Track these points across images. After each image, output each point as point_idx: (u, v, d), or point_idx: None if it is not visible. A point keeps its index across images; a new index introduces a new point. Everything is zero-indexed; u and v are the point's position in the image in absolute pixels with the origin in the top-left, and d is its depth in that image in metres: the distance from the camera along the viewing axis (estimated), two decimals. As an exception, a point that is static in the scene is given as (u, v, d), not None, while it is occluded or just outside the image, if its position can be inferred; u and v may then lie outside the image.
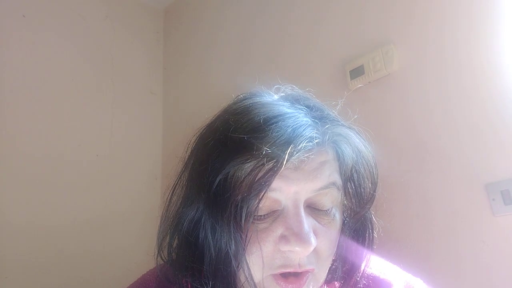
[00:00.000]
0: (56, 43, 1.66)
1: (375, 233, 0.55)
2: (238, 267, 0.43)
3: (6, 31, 1.53)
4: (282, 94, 0.55)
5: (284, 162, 0.41)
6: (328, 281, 0.52)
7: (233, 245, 0.43)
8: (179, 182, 0.51)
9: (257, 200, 0.42)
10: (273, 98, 0.52)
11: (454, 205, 0.93)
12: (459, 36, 0.98)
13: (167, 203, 0.51)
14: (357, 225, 0.54)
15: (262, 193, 0.42)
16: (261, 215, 0.45)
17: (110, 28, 1.86)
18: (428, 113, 1.01)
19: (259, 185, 0.42)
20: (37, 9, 1.64)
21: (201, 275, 0.47)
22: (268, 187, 0.42)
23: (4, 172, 1.41)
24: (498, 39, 0.92)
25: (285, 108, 0.47)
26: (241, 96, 0.53)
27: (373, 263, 0.57)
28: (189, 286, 0.50)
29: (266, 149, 0.41)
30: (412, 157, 1.02)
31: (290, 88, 0.56)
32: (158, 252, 0.51)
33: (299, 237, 0.42)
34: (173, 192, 0.51)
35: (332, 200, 0.48)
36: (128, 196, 1.69)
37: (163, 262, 0.51)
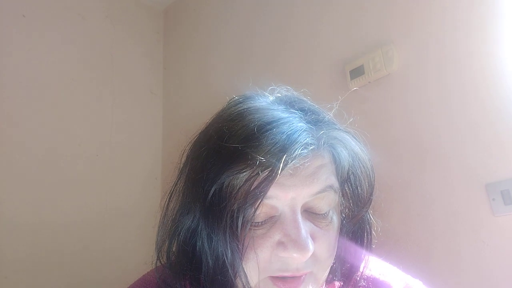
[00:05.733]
0: (56, 43, 1.66)
1: (373, 233, 0.55)
2: (235, 275, 0.43)
3: (6, 31, 1.53)
4: (277, 95, 0.55)
5: (279, 171, 0.41)
6: (328, 281, 0.52)
7: (229, 254, 0.43)
8: (175, 188, 0.51)
9: (253, 209, 0.42)
10: (268, 101, 0.52)
11: (454, 205, 0.93)
12: (459, 35, 0.99)
13: (164, 209, 0.51)
14: (356, 227, 0.54)
15: (258, 202, 0.42)
16: (258, 222, 0.44)
17: (110, 28, 1.86)
18: (428, 113, 1.01)
19: (254, 195, 0.42)
20: (37, 9, 1.64)
21: (199, 283, 0.47)
22: (263, 196, 0.42)
23: (4, 171, 1.41)
24: (498, 39, 0.92)
25: (280, 113, 0.47)
26: (235, 99, 0.52)
27: (372, 265, 0.57)
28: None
29: (260, 158, 0.41)
30: (412, 157, 1.02)
31: (285, 89, 0.56)
32: (158, 258, 0.51)
33: (297, 243, 0.42)
34: (169, 199, 0.51)
35: (329, 203, 0.48)
36: (128, 196, 1.69)
37: (162, 265, 0.51)
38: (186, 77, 1.87)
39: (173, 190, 0.51)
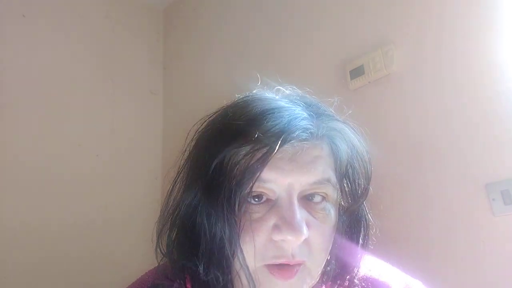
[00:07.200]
0: (56, 43, 1.66)
1: (370, 232, 0.55)
2: (232, 253, 0.44)
3: (6, 31, 1.53)
4: (282, 94, 0.55)
5: (277, 147, 0.43)
6: (325, 281, 0.52)
7: (227, 230, 0.44)
8: (179, 175, 0.52)
9: (251, 184, 0.44)
10: (273, 96, 0.54)
11: (454, 205, 0.93)
12: (459, 36, 0.98)
13: (168, 194, 0.52)
14: (352, 221, 0.54)
15: (255, 177, 0.43)
16: (255, 205, 0.46)
17: (110, 28, 1.86)
18: (427, 112, 1.01)
19: (252, 170, 0.43)
20: (37, 9, 1.64)
21: (198, 261, 0.47)
22: (261, 172, 0.44)
23: (4, 172, 1.40)
24: (497, 39, 0.92)
25: (283, 103, 0.49)
26: (242, 95, 0.54)
27: (372, 265, 0.57)
28: (188, 283, 0.50)
29: (259, 135, 0.43)
30: (412, 157, 1.02)
31: (290, 89, 0.57)
32: (157, 242, 0.51)
33: (291, 226, 0.43)
34: (174, 185, 0.52)
35: (327, 196, 0.48)
36: (128, 196, 1.69)
37: (161, 253, 0.51)
38: (186, 77, 1.87)
39: (178, 177, 0.52)
